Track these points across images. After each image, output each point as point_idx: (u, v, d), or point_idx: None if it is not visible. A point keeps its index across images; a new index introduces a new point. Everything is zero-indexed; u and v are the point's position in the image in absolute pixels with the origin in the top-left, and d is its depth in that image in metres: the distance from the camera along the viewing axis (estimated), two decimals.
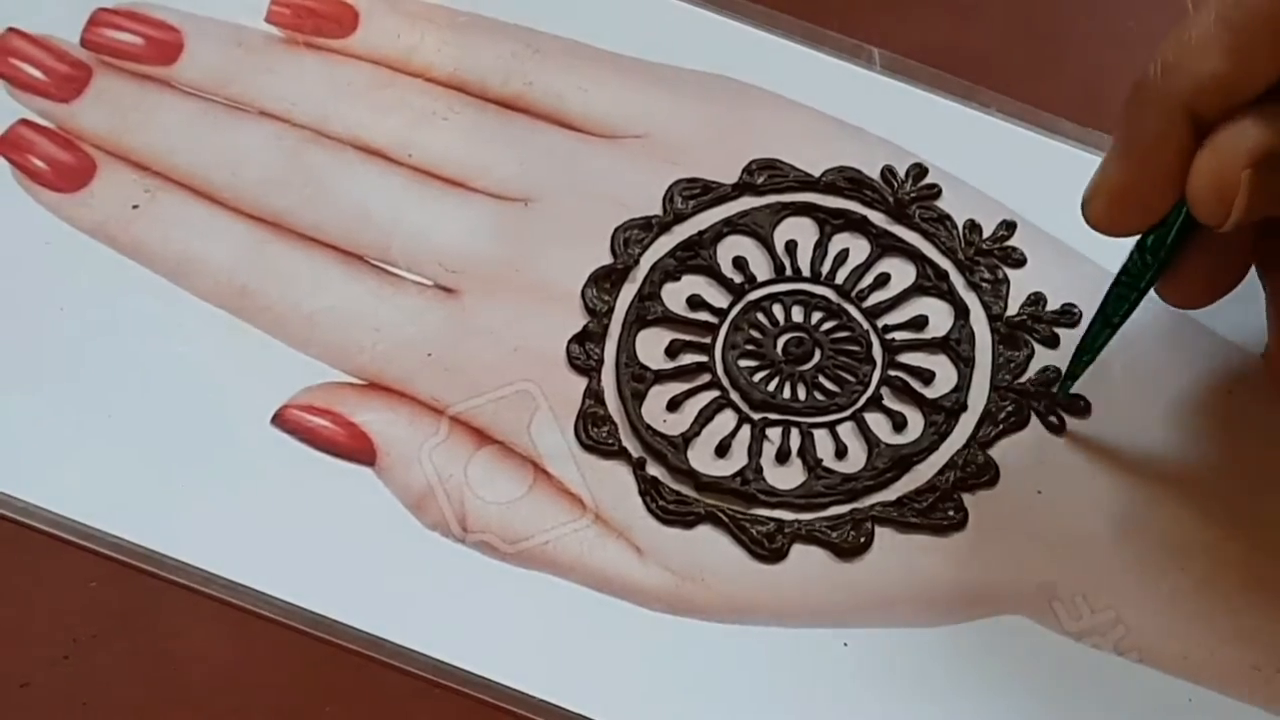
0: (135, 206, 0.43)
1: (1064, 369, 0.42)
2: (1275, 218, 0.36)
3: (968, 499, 0.41)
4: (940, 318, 0.43)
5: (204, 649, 0.38)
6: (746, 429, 0.42)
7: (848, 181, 0.45)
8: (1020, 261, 0.44)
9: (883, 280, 0.44)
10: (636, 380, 0.42)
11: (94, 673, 0.38)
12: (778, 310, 0.43)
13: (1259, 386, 0.42)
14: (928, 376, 0.42)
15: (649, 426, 0.41)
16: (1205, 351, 0.43)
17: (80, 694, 0.38)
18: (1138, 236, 0.38)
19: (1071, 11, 0.49)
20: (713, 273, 0.44)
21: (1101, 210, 0.36)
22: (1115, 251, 0.44)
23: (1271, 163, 0.34)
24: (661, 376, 0.42)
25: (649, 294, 0.43)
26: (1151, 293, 0.39)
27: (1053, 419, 0.42)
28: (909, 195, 0.45)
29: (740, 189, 0.45)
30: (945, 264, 0.44)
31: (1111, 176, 0.36)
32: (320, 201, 0.44)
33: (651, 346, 0.43)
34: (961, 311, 0.43)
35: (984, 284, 0.44)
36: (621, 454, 0.41)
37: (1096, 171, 0.36)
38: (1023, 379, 0.42)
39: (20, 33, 0.46)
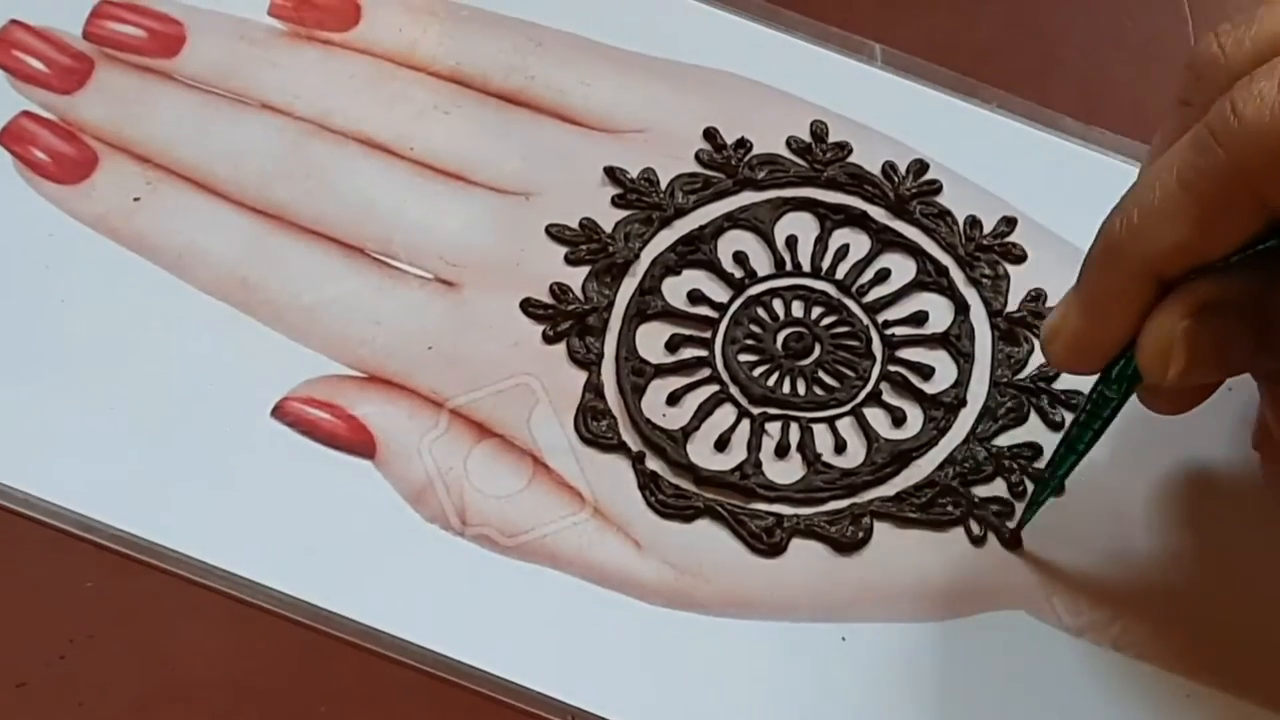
0: (137, 199, 0.44)
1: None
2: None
3: (967, 494, 0.41)
4: (940, 313, 0.43)
5: (202, 644, 0.38)
6: (746, 423, 0.42)
7: (849, 177, 0.45)
8: (1020, 258, 0.44)
9: (883, 276, 0.44)
10: (636, 374, 0.42)
11: (90, 672, 0.38)
12: (778, 305, 0.43)
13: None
14: (927, 372, 0.42)
15: (648, 420, 0.41)
16: None
17: (77, 694, 0.38)
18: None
19: (1072, 9, 0.50)
20: (713, 267, 0.44)
21: (1061, 353, 0.36)
22: None
23: (1209, 316, 0.34)
24: (661, 371, 0.42)
25: (649, 288, 0.43)
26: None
27: (1053, 416, 0.42)
28: (910, 191, 0.45)
29: (741, 184, 0.45)
30: (945, 260, 0.44)
31: (1072, 322, 0.35)
32: (322, 194, 0.44)
33: (651, 341, 0.43)
34: (961, 307, 0.43)
35: (984, 280, 0.44)
36: (621, 448, 0.41)
37: (1057, 309, 0.36)
38: (1022, 375, 0.42)
39: (22, 25, 0.46)
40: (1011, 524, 0.40)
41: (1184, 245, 0.33)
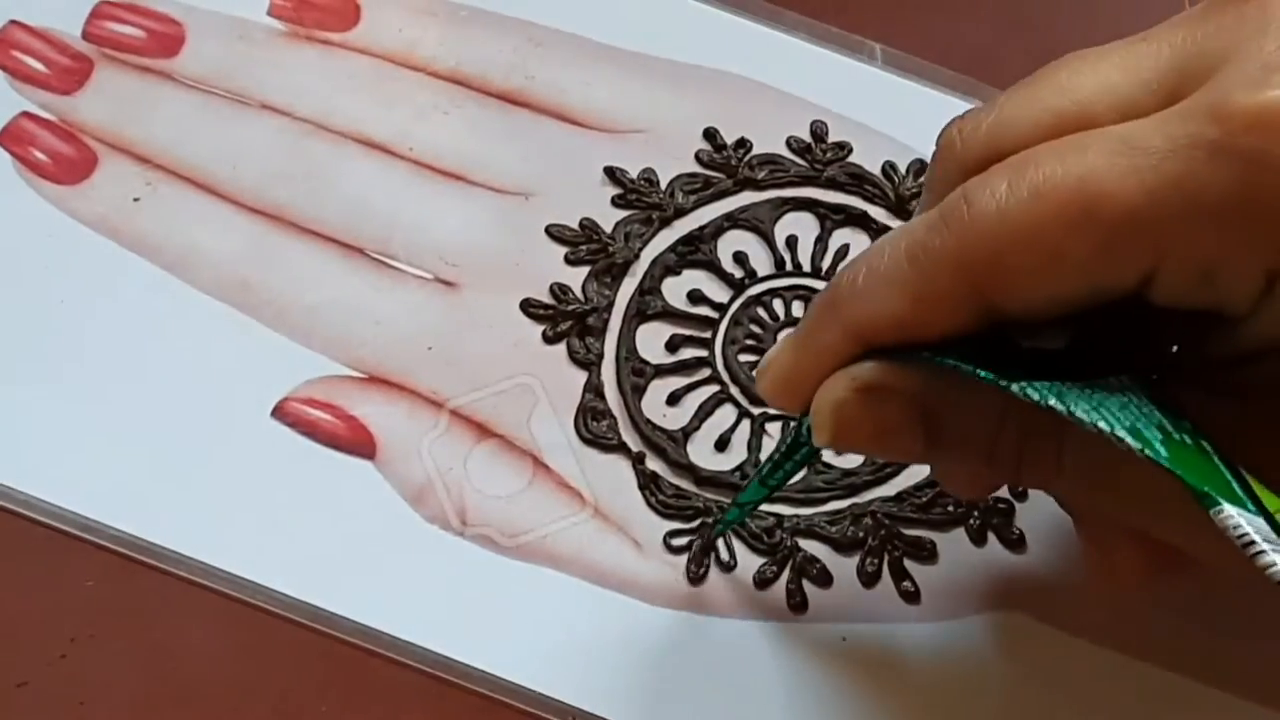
0: (136, 199, 0.44)
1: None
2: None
3: None
4: None
5: (202, 645, 0.38)
6: (746, 424, 0.42)
7: (849, 177, 0.45)
8: None
9: None
10: (636, 374, 0.42)
11: (91, 672, 0.38)
12: (778, 305, 0.43)
13: None
14: None
15: (649, 421, 0.41)
16: None
17: (77, 693, 0.37)
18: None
19: (1073, 8, 0.49)
20: (713, 267, 0.44)
21: (766, 387, 0.35)
22: None
23: (871, 398, 0.33)
24: (661, 371, 0.42)
25: (649, 288, 0.43)
26: None
27: None
28: (910, 191, 0.45)
29: (741, 184, 0.45)
30: None
31: (783, 358, 0.35)
32: (321, 195, 0.44)
33: (651, 341, 0.43)
34: None
35: None
36: (621, 448, 0.41)
37: (776, 346, 0.35)
38: None
39: (22, 25, 0.46)
40: (1013, 524, 0.40)
41: (895, 318, 0.32)
